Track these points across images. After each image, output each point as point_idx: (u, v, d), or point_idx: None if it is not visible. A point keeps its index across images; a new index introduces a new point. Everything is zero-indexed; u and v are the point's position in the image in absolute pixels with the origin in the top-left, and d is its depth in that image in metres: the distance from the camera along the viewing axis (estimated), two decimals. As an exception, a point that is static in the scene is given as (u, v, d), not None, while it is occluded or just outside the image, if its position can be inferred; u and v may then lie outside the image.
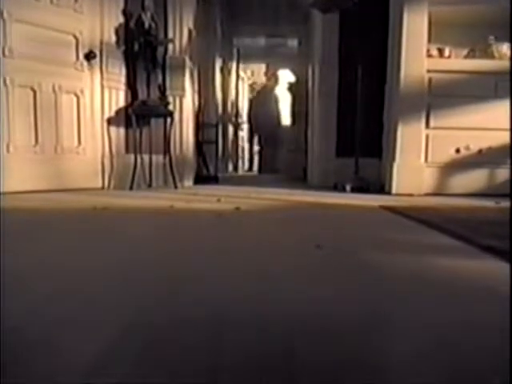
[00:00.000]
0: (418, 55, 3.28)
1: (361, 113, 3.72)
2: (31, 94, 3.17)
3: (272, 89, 8.59)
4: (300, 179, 5.25)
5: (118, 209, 2.31)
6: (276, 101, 8.55)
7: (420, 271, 1.09)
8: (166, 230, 1.66)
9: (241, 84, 10.37)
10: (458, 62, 3.40)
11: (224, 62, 8.46)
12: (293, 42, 10.01)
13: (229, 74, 8.71)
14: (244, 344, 0.64)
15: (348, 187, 3.50)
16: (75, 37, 3.39)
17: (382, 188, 3.62)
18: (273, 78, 8.52)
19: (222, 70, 8.34)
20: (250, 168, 9.06)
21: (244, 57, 9.73)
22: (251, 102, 8.67)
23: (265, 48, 10.19)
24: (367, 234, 1.65)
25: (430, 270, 1.12)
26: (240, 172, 8.54)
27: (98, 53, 3.54)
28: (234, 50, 9.29)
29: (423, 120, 3.34)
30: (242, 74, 10.34)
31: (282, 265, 1.13)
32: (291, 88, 7.26)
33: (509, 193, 2.85)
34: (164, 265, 1.12)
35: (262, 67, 11.02)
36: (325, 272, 1.08)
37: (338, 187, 3.78)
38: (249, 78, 10.80)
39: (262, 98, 8.37)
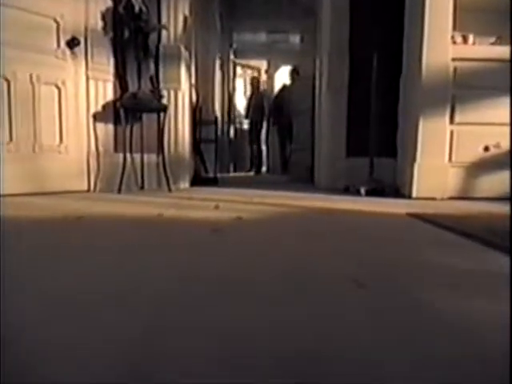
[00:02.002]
0: (442, 41, 2.90)
1: (375, 107, 3.35)
2: (5, 84, 2.79)
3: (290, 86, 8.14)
4: (304, 180, 4.88)
5: (94, 218, 1.92)
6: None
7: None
8: (141, 254, 1.25)
9: (242, 82, 9.99)
10: (486, 49, 3.03)
11: (223, 57, 8.13)
12: (295, 38, 9.72)
13: (228, 70, 8.35)
14: None
15: (362, 190, 3.12)
16: (56, 21, 3.01)
17: (398, 191, 3.25)
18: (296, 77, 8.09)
19: (221, 66, 8.00)
20: (251, 168, 8.64)
21: (244, 53, 9.39)
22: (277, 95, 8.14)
23: (266, 44, 9.87)
24: (409, 256, 1.27)
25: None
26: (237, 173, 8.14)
27: (82, 40, 3.16)
28: (234, 46, 8.96)
29: (447, 114, 2.97)
30: (240, 71, 9.99)
31: (319, 327, 0.76)
32: (293, 74, 6.78)
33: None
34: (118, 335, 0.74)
35: (264, 64, 10.65)
36: (391, 339, 0.70)
37: (350, 190, 3.41)
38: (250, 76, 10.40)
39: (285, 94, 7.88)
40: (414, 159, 3.00)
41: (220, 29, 7.65)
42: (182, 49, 3.65)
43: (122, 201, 2.66)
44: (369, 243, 1.44)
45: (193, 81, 4.38)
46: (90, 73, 3.24)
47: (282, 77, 9.77)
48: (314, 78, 4.57)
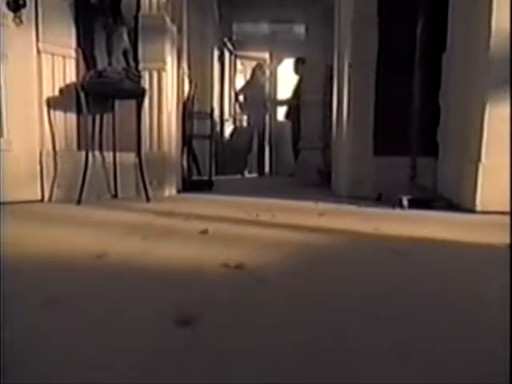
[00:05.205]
0: (519, -3, 2.11)
1: (418, 91, 2.56)
2: None
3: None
4: (316, 184, 4.10)
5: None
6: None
7: None
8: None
9: (242, 78, 9.24)
10: None
11: (222, 48, 7.40)
12: (299, 29, 9.09)
13: (224, 61, 7.59)
14: None
15: (405, 201, 2.32)
16: (-9, -28, 2.23)
17: (449, 201, 2.44)
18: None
19: (220, 57, 7.28)
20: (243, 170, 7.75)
21: (244, 45, 8.69)
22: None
23: (268, 35, 9.21)
24: None
25: None
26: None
27: (30, 2, 2.37)
28: (234, 37, 8.26)
29: (521, 98, 2.18)
30: (240, 66, 9.25)
31: None
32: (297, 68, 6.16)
33: None
34: None
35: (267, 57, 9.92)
36: None
37: (382, 199, 2.62)
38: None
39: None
40: (477, 159, 2.21)
41: (218, 17, 6.96)
42: (168, 20, 2.86)
43: (69, 219, 1.85)
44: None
45: (184, 64, 3.59)
46: (41, 45, 2.44)
47: (285, 71, 9.08)
48: (331, 69, 3.80)
